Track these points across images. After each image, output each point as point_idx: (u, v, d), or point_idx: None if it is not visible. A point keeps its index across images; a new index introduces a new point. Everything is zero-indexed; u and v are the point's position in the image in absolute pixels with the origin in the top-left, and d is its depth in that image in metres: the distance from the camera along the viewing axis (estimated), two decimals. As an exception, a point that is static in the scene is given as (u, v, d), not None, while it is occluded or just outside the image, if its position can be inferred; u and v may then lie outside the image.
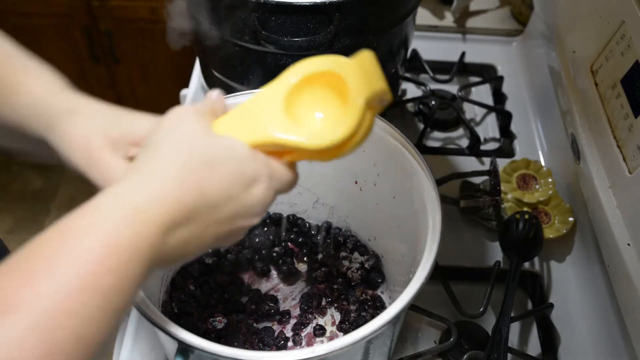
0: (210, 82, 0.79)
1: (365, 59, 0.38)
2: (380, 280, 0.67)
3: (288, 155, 0.39)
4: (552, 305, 0.67)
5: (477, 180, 0.79)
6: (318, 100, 0.39)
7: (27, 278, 0.26)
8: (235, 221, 0.36)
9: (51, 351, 0.25)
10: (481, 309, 0.63)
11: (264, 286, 0.68)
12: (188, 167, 0.34)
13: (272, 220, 0.72)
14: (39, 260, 0.27)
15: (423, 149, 0.84)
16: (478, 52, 1.00)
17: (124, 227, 0.29)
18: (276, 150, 0.38)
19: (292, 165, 0.40)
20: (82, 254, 0.28)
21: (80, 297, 0.26)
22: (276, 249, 0.70)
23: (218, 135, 0.37)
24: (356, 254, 0.69)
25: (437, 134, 0.89)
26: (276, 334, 0.63)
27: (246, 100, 0.39)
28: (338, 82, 0.38)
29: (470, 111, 0.93)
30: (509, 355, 0.61)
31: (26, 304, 0.25)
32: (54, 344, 0.25)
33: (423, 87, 0.93)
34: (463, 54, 0.98)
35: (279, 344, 0.62)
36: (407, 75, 0.94)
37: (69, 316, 0.26)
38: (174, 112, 0.37)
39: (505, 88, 0.96)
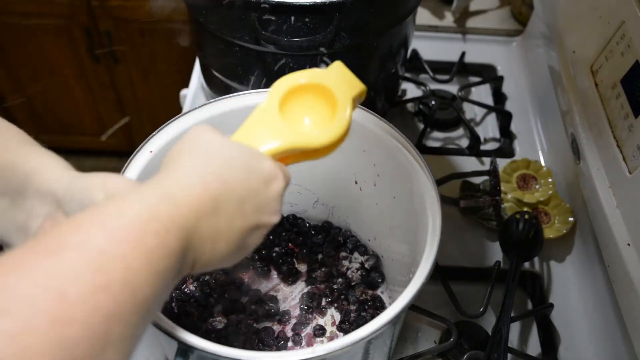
0: (210, 82, 0.79)
1: (339, 67, 0.46)
2: (380, 280, 0.67)
3: (289, 159, 0.44)
4: (552, 305, 0.67)
5: (477, 180, 0.79)
6: (305, 107, 0.45)
7: (75, 228, 0.28)
8: (259, 215, 0.38)
9: (102, 285, 0.26)
10: (481, 309, 0.63)
11: (264, 286, 0.68)
12: (208, 160, 0.37)
13: (272, 220, 0.72)
14: (86, 217, 0.29)
15: (423, 149, 0.84)
16: (478, 52, 1.00)
17: (161, 203, 0.32)
18: (281, 157, 0.43)
19: None
20: (127, 215, 0.30)
21: (127, 246, 0.28)
22: (276, 249, 0.70)
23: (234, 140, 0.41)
24: (356, 254, 0.69)
25: (437, 134, 0.89)
26: (276, 334, 0.63)
27: (249, 116, 0.43)
28: (321, 90, 0.45)
29: (470, 111, 0.93)
30: (509, 355, 0.61)
31: (76, 246, 0.27)
32: (103, 282, 0.26)
33: (423, 87, 0.93)
34: (463, 54, 0.98)
35: (279, 344, 0.62)
36: (407, 75, 0.94)
37: (117, 260, 0.27)
38: (192, 129, 0.40)
39: (505, 88, 0.96)
